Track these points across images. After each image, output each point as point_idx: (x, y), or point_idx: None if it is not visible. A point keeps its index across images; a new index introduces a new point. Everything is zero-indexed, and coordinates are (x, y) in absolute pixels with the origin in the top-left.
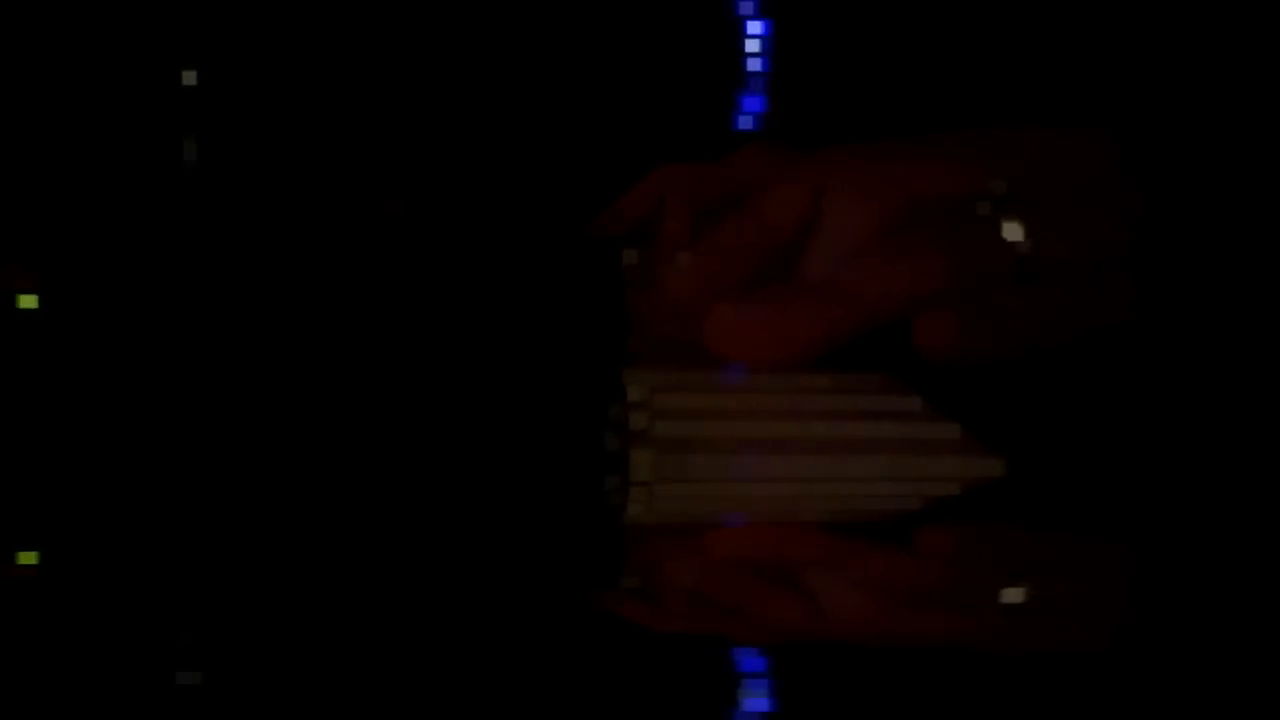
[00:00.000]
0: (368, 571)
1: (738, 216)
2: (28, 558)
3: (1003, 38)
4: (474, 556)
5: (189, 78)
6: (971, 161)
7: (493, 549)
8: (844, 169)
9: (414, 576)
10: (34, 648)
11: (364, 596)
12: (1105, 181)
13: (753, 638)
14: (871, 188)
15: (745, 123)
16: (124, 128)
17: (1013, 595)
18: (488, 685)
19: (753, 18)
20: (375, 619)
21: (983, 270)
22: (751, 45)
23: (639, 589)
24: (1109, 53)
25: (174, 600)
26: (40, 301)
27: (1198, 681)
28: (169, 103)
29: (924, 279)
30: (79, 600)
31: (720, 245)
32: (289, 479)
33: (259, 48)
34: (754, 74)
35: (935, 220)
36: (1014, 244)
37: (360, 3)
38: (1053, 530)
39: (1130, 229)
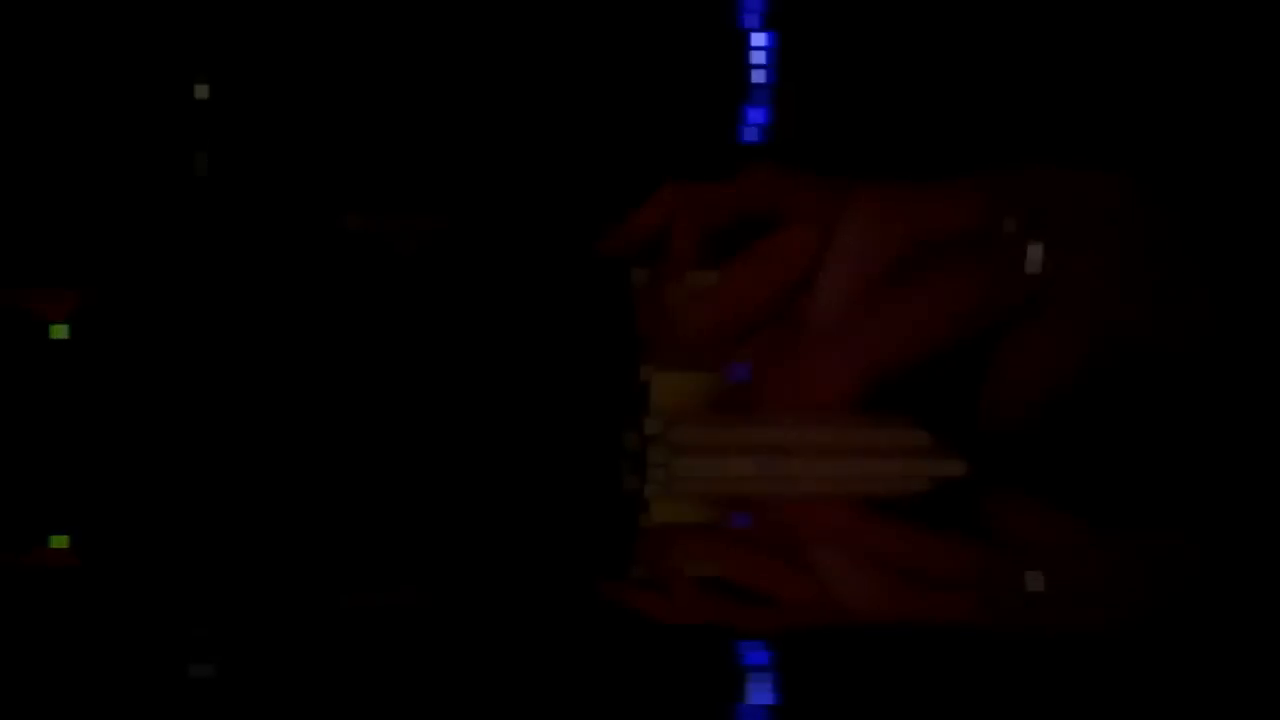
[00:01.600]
0: (380, 565)
1: (751, 257)
2: (60, 541)
3: (1010, 53)
4: (487, 552)
5: (201, 92)
6: (986, 196)
7: (506, 544)
8: (856, 205)
9: (425, 571)
10: (49, 640)
11: (376, 588)
12: (1122, 217)
13: (761, 627)
14: (884, 222)
15: (750, 134)
16: (141, 147)
17: (1034, 581)
18: (496, 675)
19: (757, 29)
20: (387, 610)
21: (1003, 295)
22: (756, 57)
23: (647, 580)
24: (1122, 85)
25: (187, 594)
26: (70, 331)
27: (1206, 668)
28: (183, 120)
29: (944, 309)
30: (95, 595)
31: (734, 286)
32: (306, 480)
33: (270, 63)
34: (758, 85)
35: (953, 251)
36: (1034, 267)
37: (368, 19)
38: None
39: (1149, 261)
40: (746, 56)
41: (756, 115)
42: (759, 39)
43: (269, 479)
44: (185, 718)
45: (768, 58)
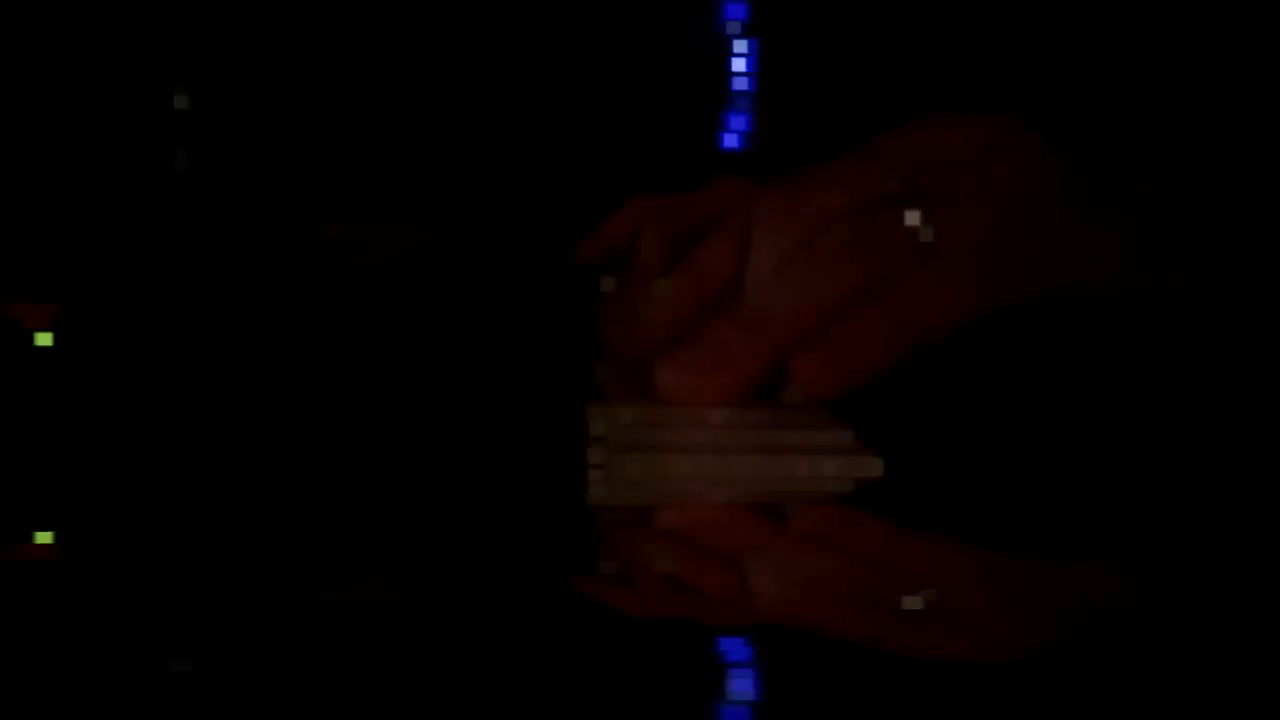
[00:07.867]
0: (359, 561)
1: (683, 268)
2: (44, 537)
3: (993, 59)
4: (456, 545)
5: (181, 102)
6: (866, 168)
7: (472, 536)
8: (761, 205)
9: (397, 570)
10: (30, 636)
11: (356, 585)
12: (1009, 157)
13: (728, 621)
14: (780, 212)
15: (731, 141)
16: (121, 157)
17: (912, 603)
18: (478, 672)
19: (739, 36)
20: (368, 606)
21: (889, 263)
22: (738, 64)
23: (616, 575)
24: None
25: (168, 590)
26: (55, 339)
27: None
28: (163, 130)
29: (839, 286)
30: (76, 591)
31: (666, 295)
32: (284, 480)
33: (249, 74)
34: (740, 93)
35: (840, 229)
36: (915, 231)
37: (348, 28)
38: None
39: (1044, 202)
40: (728, 64)
41: (738, 122)
42: (740, 46)
43: (248, 478)
44: (165, 713)
45: (749, 65)
